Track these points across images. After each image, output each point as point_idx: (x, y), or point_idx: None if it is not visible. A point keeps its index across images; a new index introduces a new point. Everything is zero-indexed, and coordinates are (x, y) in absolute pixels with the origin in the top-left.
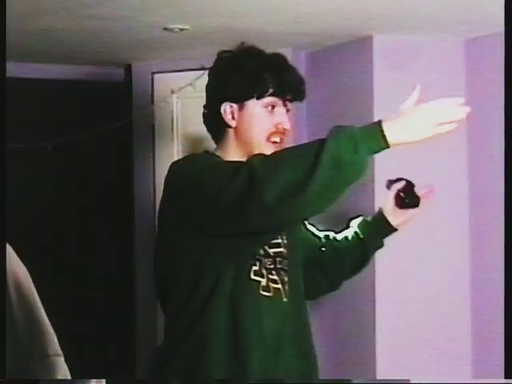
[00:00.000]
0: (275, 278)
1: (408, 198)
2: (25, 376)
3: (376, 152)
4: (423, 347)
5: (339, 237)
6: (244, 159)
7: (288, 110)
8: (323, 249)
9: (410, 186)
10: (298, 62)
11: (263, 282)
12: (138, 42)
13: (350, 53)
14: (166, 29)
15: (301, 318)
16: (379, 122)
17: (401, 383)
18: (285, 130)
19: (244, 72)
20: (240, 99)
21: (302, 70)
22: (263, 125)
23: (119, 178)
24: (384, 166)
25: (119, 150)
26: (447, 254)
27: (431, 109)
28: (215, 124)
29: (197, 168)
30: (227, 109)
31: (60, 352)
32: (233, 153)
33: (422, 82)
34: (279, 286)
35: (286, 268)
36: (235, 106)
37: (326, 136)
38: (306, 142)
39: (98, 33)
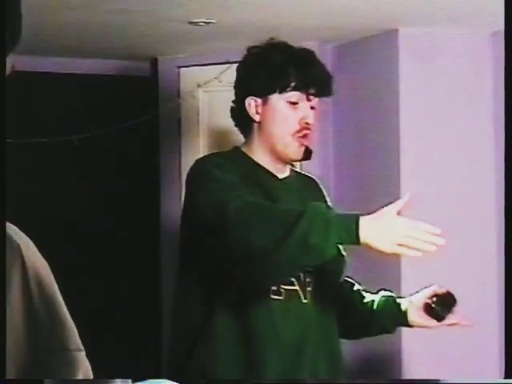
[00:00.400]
0: (292, 279)
1: (437, 307)
2: (45, 371)
3: (344, 243)
4: (452, 346)
5: (363, 293)
6: (268, 155)
7: (313, 108)
8: (343, 277)
9: (449, 299)
10: (324, 55)
11: (273, 286)
12: (163, 36)
13: (376, 46)
14: (191, 22)
15: (326, 319)
16: (357, 217)
17: (430, 383)
18: (308, 124)
19: (268, 66)
20: (263, 93)
21: (328, 64)
22: (286, 119)
23: (145, 172)
24: None
25: (145, 144)
26: (474, 253)
27: (406, 227)
28: (241, 118)
29: (205, 183)
30: (251, 103)
31: (81, 347)
32: (257, 148)
33: (448, 76)
34: (296, 287)
35: (308, 269)
36: (259, 100)
37: (305, 210)
38: (331, 137)
39: (124, 27)
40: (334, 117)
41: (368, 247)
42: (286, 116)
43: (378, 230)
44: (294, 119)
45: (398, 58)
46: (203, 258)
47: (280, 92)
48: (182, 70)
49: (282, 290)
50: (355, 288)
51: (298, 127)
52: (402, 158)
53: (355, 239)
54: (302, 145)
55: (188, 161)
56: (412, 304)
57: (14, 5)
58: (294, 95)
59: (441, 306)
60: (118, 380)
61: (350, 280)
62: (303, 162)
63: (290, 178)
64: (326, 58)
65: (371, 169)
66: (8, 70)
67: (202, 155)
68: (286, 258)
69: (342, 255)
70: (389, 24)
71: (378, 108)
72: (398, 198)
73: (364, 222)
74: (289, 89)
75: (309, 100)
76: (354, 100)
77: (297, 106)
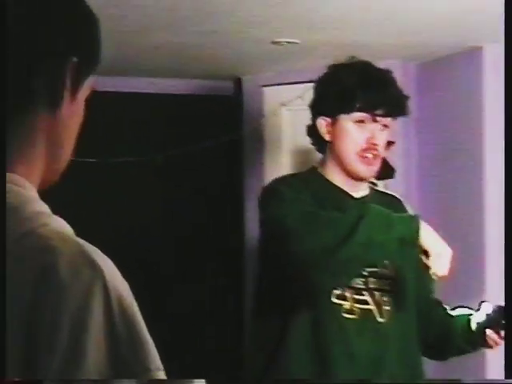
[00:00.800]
0: (366, 298)
1: (480, 327)
2: None
3: (405, 239)
4: None
5: (446, 311)
6: (341, 174)
7: (386, 126)
8: (433, 296)
9: (495, 318)
10: (407, 73)
11: (346, 304)
12: (246, 56)
13: (460, 64)
14: (274, 42)
15: (407, 338)
16: (417, 216)
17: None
18: (375, 145)
19: (336, 87)
20: (332, 113)
21: (412, 82)
22: (354, 140)
23: (229, 190)
24: None
25: (229, 163)
26: None
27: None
28: (315, 137)
29: (271, 200)
30: (322, 123)
31: (161, 366)
32: (331, 168)
33: None
34: (371, 306)
35: (386, 288)
36: (329, 119)
37: (367, 210)
38: (415, 155)
39: (208, 47)
40: (417, 135)
41: (422, 247)
42: (353, 136)
43: (435, 236)
44: (361, 139)
45: (483, 75)
46: (272, 268)
47: (347, 112)
48: (266, 89)
49: (356, 309)
50: (439, 307)
51: (364, 146)
52: (486, 177)
53: (416, 235)
54: (370, 164)
55: (272, 179)
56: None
57: (93, 28)
58: (359, 116)
59: (485, 324)
60: (194, 380)
61: (435, 298)
62: (386, 180)
63: (369, 197)
64: (410, 76)
65: (455, 188)
66: (87, 92)
67: (284, 174)
68: (350, 256)
69: (429, 273)
70: (473, 41)
71: (463, 126)
72: (481, 217)
73: (424, 224)
74: (355, 109)
75: (375, 121)
76: (438, 118)
77: (363, 125)
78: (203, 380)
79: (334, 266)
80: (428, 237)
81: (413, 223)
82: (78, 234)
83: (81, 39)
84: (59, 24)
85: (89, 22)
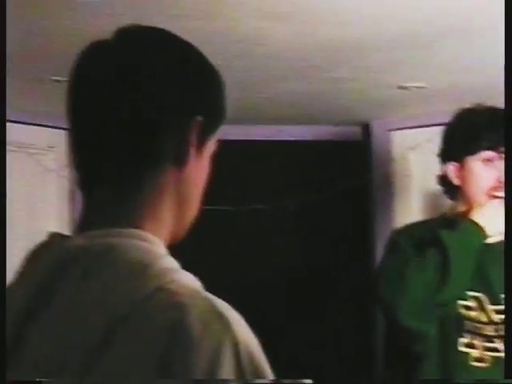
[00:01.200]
0: (497, 346)
1: None
2: None
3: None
4: None
5: None
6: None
7: None
8: None
9: None
10: None
11: (475, 353)
12: (374, 101)
13: None
14: (401, 87)
15: None
16: (469, 219)
17: None
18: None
19: (462, 130)
20: (460, 157)
21: None
22: (482, 179)
23: (360, 235)
24: None
25: (359, 208)
26: None
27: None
28: (446, 185)
29: (386, 253)
30: (451, 168)
31: None
32: (461, 212)
33: None
34: (503, 354)
35: None
36: (457, 164)
37: (446, 248)
38: None
39: (335, 94)
40: None
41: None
42: (481, 175)
43: (488, 217)
44: (490, 178)
45: None
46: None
47: (472, 153)
48: (394, 133)
49: (486, 357)
50: None
51: (493, 185)
52: None
53: (483, 234)
54: (500, 203)
55: (401, 224)
56: None
57: (217, 88)
58: (486, 155)
59: None
60: (304, 380)
61: None
62: None
63: (502, 243)
64: None
65: None
66: (213, 147)
67: (414, 219)
68: (450, 295)
69: None
70: None
71: None
72: None
73: (478, 218)
74: (481, 149)
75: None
76: None
77: (491, 164)
78: (310, 380)
79: (437, 308)
80: (489, 224)
81: (474, 227)
82: (209, 284)
83: (206, 99)
84: (185, 85)
85: (213, 83)
